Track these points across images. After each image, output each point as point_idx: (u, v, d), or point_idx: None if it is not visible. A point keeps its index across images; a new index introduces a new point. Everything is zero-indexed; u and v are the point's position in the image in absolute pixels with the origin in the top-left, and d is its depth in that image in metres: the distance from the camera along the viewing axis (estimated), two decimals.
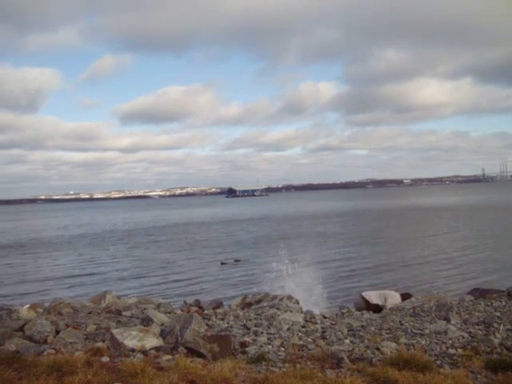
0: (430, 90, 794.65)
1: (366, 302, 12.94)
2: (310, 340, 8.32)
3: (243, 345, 7.73)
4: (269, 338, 8.32)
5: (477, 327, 9.34)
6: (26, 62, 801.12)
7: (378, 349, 7.53)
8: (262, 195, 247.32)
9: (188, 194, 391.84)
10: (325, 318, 10.64)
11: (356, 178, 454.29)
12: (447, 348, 7.78)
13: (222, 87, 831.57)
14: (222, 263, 25.49)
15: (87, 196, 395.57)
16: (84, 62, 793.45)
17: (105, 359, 6.06)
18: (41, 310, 11.84)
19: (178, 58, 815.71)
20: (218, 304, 13.56)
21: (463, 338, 8.48)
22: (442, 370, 6.10)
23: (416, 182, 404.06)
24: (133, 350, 6.77)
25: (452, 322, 9.80)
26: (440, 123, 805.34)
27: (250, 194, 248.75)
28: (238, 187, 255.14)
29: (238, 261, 25.91)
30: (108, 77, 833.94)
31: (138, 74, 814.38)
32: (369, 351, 7.38)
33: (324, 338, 8.56)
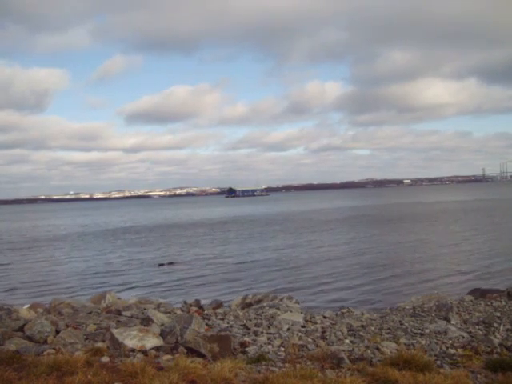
0: (435, 90, 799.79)
1: None
2: (310, 340, 8.32)
3: (243, 345, 7.73)
4: (269, 338, 8.32)
5: (477, 327, 9.35)
6: (36, 62, 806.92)
7: (378, 349, 7.53)
8: (262, 195, 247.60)
9: (188, 194, 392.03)
10: (325, 317, 10.64)
11: (356, 178, 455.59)
12: (447, 348, 7.78)
13: (229, 87, 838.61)
14: (160, 264, 25.76)
15: (87, 196, 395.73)
16: (93, 63, 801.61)
17: (105, 359, 6.05)
18: (41, 310, 11.84)
19: (187, 58, 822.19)
20: (218, 304, 13.56)
21: (463, 337, 8.48)
22: (442, 370, 6.10)
23: (416, 182, 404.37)
24: (133, 350, 6.76)
25: (452, 322, 9.80)
26: (443, 123, 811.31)
27: (250, 194, 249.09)
28: (238, 187, 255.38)
29: (172, 263, 26.09)
30: (117, 77, 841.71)
31: (148, 74, 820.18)
32: (369, 351, 7.37)
33: (324, 338, 8.56)
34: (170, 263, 26.09)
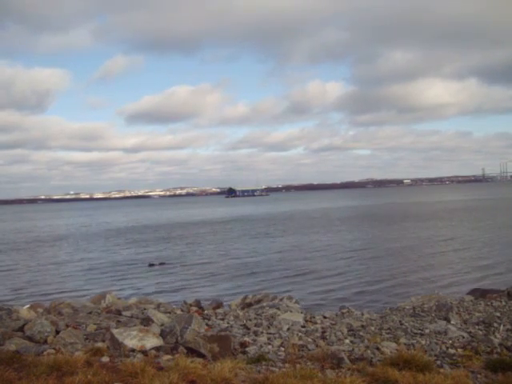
0: (435, 90, 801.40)
1: None
2: (309, 340, 8.32)
3: (243, 345, 7.73)
4: (269, 338, 8.32)
5: (477, 327, 9.34)
6: (37, 62, 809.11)
7: (378, 349, 7.52)
8: (262, 195, 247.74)
9: (188, 194, 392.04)
10: (325, 317, 10.64)
11: (356, 178, 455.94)
12: (447, 348, 7.78)
13: (230, 87, 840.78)
14: (150, 264, 25.72)
15: (87, 196, 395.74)
16: (94, 63, 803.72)
17: (105, 359, 6.05)
18: (41, 310, 11.85)
19: (188, 59, 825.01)
20: (218, 304, 13.56)
21: (463, 337, 8.47)
22: (442, 370, 6.10)
23: (416, 182, 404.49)
24: (133, 350, 6.76)
25: (452, 322, 9.79)
26: (444, 123, 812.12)
27: (250, 194, 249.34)
28: (238, 187, 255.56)
29: (164, 263, 26.02)
30: (118, 77, 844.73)
31: (148, 75, 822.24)
32: (369, 351, 7.37)
33: (324, 338, 8.56)
34: (162, 263, 26.03)
